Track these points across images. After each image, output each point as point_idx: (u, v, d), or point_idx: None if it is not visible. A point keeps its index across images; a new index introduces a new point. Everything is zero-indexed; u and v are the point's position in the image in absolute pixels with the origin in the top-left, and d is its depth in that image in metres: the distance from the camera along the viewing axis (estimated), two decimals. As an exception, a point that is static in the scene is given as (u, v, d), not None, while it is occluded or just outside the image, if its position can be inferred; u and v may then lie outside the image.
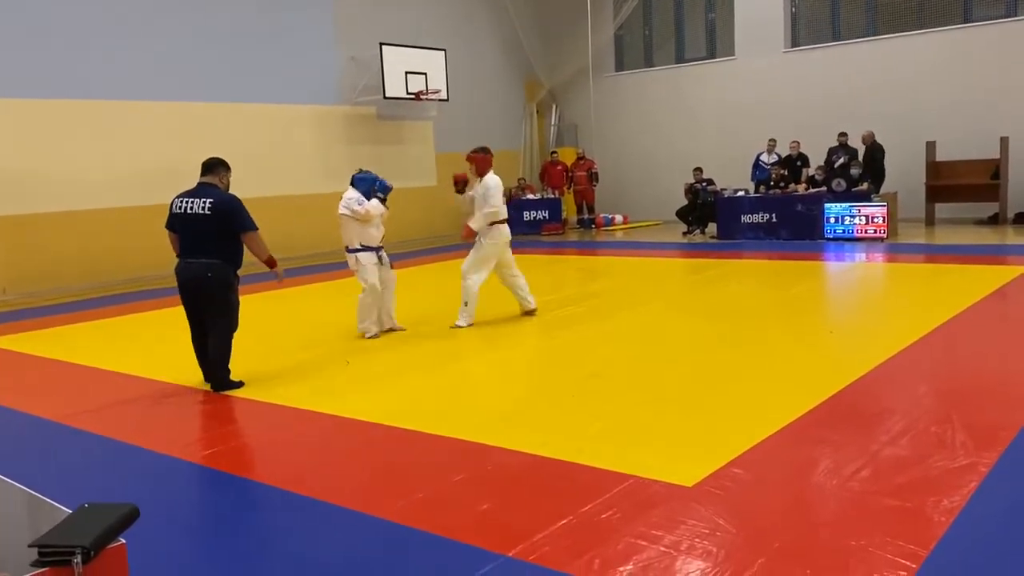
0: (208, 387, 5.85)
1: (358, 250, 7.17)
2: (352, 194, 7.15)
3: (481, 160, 7.46)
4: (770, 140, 14.94)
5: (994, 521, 3.19)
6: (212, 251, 5.63)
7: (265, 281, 11.43)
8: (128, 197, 12.23)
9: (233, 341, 5.87)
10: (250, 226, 5.69)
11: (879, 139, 13.78)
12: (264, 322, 8.29)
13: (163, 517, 3.59)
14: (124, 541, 2.00)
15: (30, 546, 1.90)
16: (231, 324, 5.82)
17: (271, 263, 5.85)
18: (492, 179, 7.39)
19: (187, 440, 4.77)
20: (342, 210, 7.10)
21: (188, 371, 6.35)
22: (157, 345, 7.63)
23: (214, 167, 5.79)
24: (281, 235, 13.82)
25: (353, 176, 7.37)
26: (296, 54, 14.47)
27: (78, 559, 1.84)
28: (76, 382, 6.37)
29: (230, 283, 5.73)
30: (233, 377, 5.90)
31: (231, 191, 5.84)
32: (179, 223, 5.72)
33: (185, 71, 12.91)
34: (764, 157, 14.98)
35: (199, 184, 5.77)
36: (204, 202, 5.62)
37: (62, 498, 2.27)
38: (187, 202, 5.69)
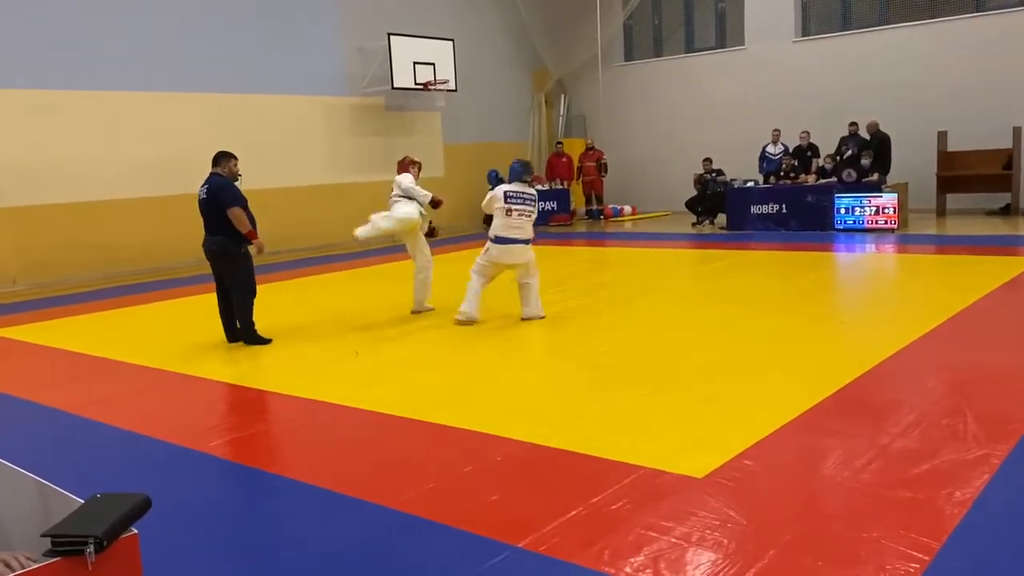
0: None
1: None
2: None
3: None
4: (774, 130, 14.84)
5: (1007, 513, 3.17)
6: (218, 229, 6.68)
7: (272, 272, 11.43)
8: (138, 188, 12.26)
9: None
10: (230, 202, 6.59)
11: (890, 129, 13.68)
12: (273, 313, 8.29)
13: (174, 507, 3.60)
14: (136, 531, 2.00)
15: (42, 536, 1.89)
16: (247, 288, 6.79)
17: (250, 235, 6.71)
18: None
19: (198, 430, 4.79)
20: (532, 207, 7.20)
21: (200, 361, 6.38)
22: (168, 335, 7.64)
23: (218, 159, 6.81)
24: (289, 226, 13.89)
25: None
26: (304, 45, 14.44)
27: (91, 549, 1.83)
28: (87, 372, 6.39)
29: (237, 253, 6.71)
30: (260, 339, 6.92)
31: (241, 176, 6.88)
32: (199, 208, 6.80)
33: (192, 62, 12.90)
34: (769, 148, 14.90)
35: (209, 174, 6.81)
36: (204, 189, 6.74)
37: (74, 488, 2.27)
38: (200, 191, 6.80)
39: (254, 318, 6.90)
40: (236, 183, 6.77)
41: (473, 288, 7.22)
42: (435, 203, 7.74)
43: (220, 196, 6.59)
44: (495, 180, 7.39)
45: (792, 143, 14.60)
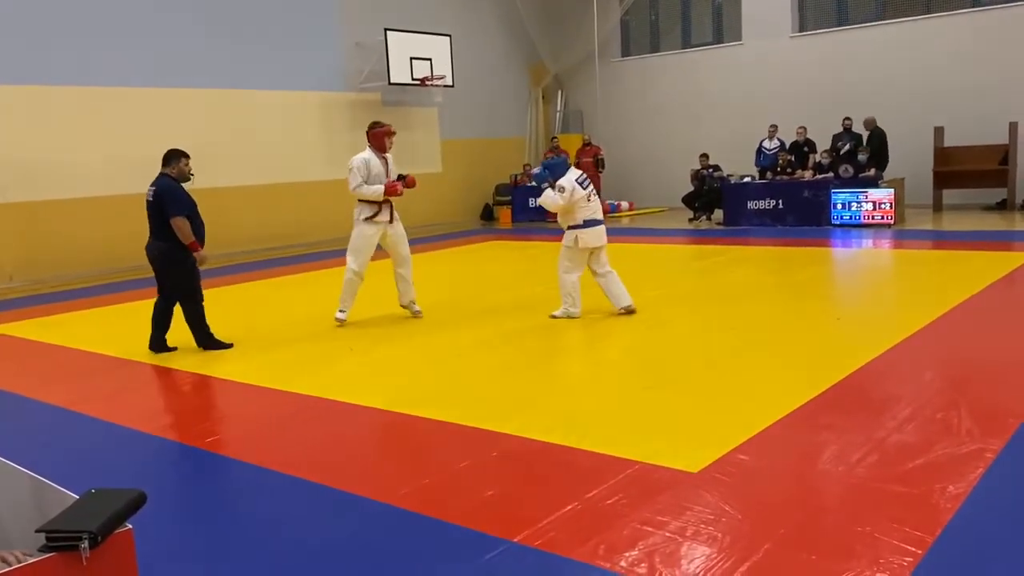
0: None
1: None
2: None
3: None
4: (771, 126, 14.83)
5: (1000, 507, 3.18)
6: (159, 234, 6.36)
7: (269, 268, 11.44)
8: (134, 184, 12.13)
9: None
10: (174, 212, 6.25)
11: (886, 124, 13.69)
12: (268, 309, 8.30)
13: (169, 503, 3.60)
14: (131, 527, 2.00)
15: (37, 531, 1.90)
16: (190, 295, 6.52)
17: (192, 247, 6.36)
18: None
19: (194, 426, 4.79)
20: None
21: (195, 358, 6.37)
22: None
23: (168, 159, 6.42)
24: (285, 222, 13.89)
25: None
26: (301, 40, 14.41)
27: (85, 544, 1.83)
28: (83, 368, 6.39)
29: (175, 259, 6.38)
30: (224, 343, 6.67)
31: (192, 176, 6.45)
32: (146, 209, 6.44)
33: (190, 58, 12.87)
34: (766, 143, 14.90)
35: (158, 174, 6.41)
36: (151, 191, 6.36)
37: (69, 484, 2.27)
38: (148, 191, 6.40)
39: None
40: (187, 183, 6.41)
41: (575, 284, 7.03)
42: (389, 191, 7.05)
43: (164, 203, 6.26)
44: (543, 176, 7.11)
45: (789, 139, 14.60)
